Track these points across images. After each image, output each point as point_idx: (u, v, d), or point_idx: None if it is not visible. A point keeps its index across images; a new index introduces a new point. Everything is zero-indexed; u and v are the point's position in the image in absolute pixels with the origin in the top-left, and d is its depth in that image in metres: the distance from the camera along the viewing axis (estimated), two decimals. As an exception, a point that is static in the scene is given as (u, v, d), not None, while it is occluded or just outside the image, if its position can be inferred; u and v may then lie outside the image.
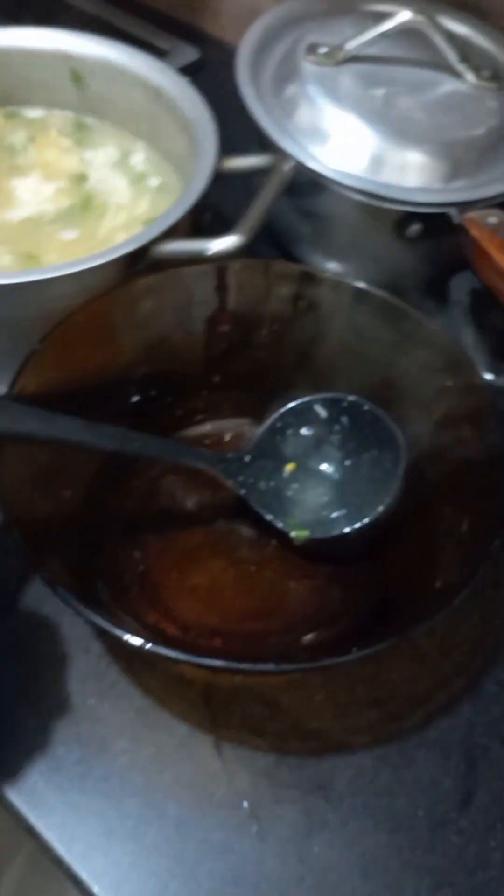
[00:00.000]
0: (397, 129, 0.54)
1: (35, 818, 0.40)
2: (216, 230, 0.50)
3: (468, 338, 0.58)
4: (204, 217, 0.54)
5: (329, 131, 0.55)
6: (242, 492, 0.47)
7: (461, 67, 0.57)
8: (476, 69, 0.57)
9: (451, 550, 0.43)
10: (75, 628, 0.45)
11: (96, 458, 0.48)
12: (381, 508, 0.46)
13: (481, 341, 0.58)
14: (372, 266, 0.59)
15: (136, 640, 0.35)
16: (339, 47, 0.57)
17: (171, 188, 0.59)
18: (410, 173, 0.53)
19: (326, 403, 0.48)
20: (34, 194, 0.57)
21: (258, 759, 0.42)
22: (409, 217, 0.54)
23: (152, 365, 0.50)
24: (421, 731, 0.43)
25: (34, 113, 0.63)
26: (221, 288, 0.50)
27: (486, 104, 0.56)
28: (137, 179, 0.60)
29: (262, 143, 0.56)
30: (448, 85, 0.57)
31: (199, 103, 0.57)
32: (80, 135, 0.63)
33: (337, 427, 0.48)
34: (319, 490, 0.48)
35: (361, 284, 0.48)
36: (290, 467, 0.49)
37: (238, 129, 0.57)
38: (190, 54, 0.79)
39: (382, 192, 0.53)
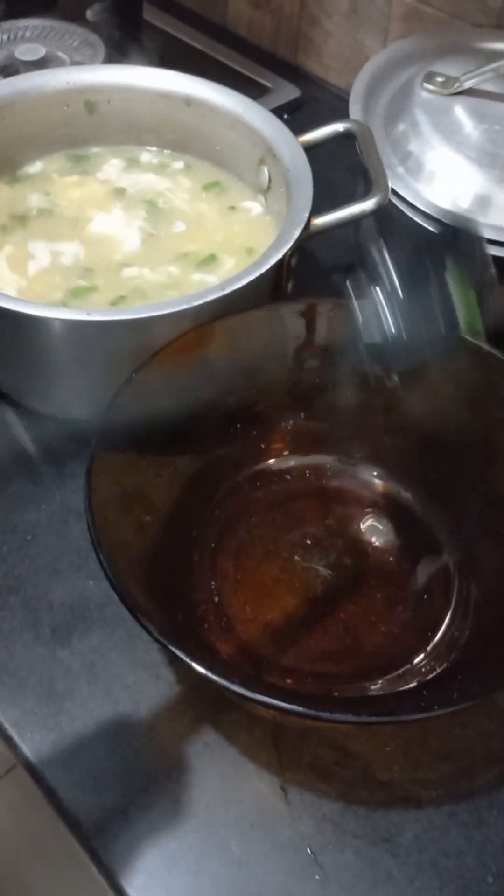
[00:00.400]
0: (502, 169, 0.54)
1: (98, 845, 0.40)
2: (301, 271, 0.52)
3: None
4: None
5: (432, 165, 0.55)
6: None
7: None
8: None
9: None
10: (150, 653, 0.46)
11: (177, 485, 0.49)
12: None
13: None
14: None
15: (217, 678, 0.35)
16: (456, 78, 0.57)
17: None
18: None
19: None
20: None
21: (324, 804, 0.41)
22: None
23: (241, 395, 0.51)
24: (494, 792, 0.42)
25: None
26: (311, 325, 0.50)
27: None
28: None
29: (365, 177, 0.56)
30: None
31: (302, 159, 0.56)
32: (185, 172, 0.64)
33: None
34: None
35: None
36: None
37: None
38: (291, 92, 0.81)
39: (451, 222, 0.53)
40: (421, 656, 0.45)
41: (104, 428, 0.43)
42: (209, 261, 0.56)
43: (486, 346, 0.47)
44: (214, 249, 0.57)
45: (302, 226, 0.50)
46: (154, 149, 0.64)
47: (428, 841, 0.41)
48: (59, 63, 0.76)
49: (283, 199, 0.54)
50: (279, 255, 0.49)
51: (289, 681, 0.44)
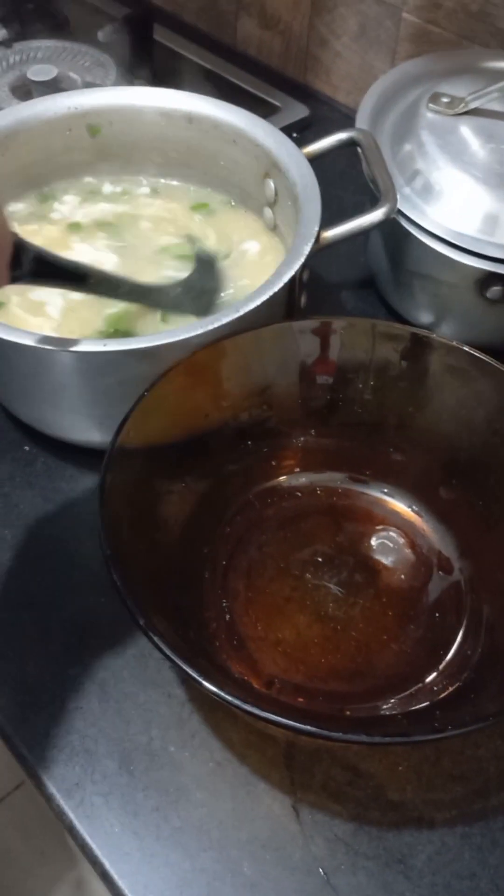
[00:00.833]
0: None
1: (110, 863, 0.40)
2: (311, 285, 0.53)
3: None
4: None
5: (439, 185, 0.55)
6: None
7: None
8: None
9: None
10: (162, 672, 0.45)
11: (189, 503, 0.49)
12: None
13: None
14: (456, 324, 0.59)
15: (230, 698, 0.35)
16: (462, 99, 0.58)
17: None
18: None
19: None
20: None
21: (337, 825, 0.41)
22: (491, 277, 0.53)
23: (252, 412, 0.51)
24: (507, 813, 0.42)
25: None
26: (325, 343, 0.51)
27: None
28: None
29: (373, 186, 0.56)
30: None
31: (308, 172, 0.56)
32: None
33: None
34: None
35: (469, 349, 0.48)
36: None
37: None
38: (300, 111, 0.81)
39: (462, 244, 0.53)
40: (433, 675, 0.45)
41: (116, 447, 0.43)
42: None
43: (497, 364, 0.47)
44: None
45: (313, 239, 0.50)
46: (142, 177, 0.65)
47: (441, 863, 0.40)
48: (70, 83, 0.77)
49: (291, 212, 0.55)
50: (292, 272, 0.49)
51: (300, 699, 0.44)
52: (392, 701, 0.44)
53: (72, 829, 0.41)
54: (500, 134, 0.58)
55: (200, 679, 0.36)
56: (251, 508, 0.51)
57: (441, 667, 0.45)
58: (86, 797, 0.42)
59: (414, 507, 0.51)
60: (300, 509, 0.52)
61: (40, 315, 0.55)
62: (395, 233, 0.57)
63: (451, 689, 0.44)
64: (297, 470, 0.53)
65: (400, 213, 0.56)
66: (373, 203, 0.53)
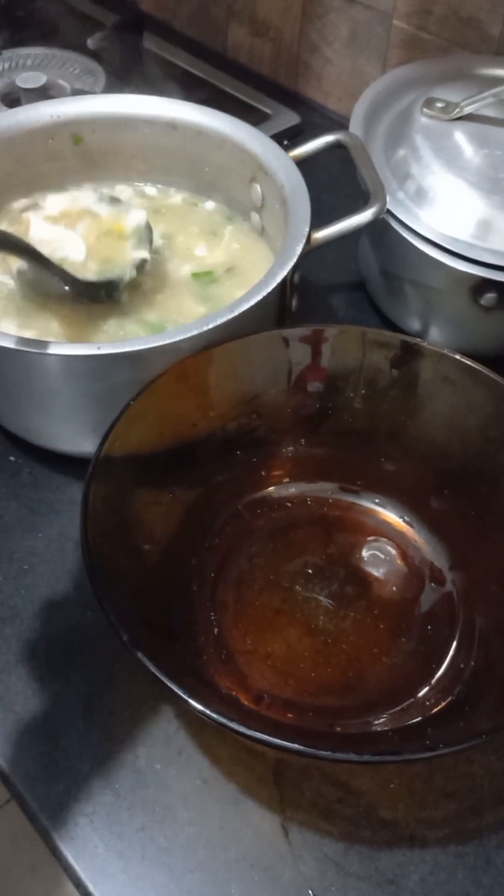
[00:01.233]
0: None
1: (94, 885, 0.39)
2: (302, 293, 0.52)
3: None
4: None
5: (433, 190, 0.55)
6: None
7: None
8: None
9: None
10: (147, 688, 0.44)
11: (176, 513, 0.48)
12: None
13: None
14: (449, 331, 0.58)
15: (215, 716, 0.34)
16: (456, 104, 0.58)
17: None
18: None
19: None
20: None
21: (327, 844, 0.40)
22: (485, 284, 0.53)
23: (241, 421, 0.50)
24: (502, 831, 0.41)
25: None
26: (316, 351, 0.50)
27: None
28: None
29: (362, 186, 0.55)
30: None
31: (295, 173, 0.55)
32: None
33: None
34: None
35: (461, 357, 0.47)
36: None
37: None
38: (291, 118, 0.81)
39: (456, 249, 0.53)
40: (426, 689, 0.44)
41: (101, 456, 0.42)
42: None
43: (491, 374, 0.46)
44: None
45: (303, 241, 0.50)
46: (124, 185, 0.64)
47: (434, 883, 0.39)
48: (59, 91, 0.76)
49: (280, 215, 0.54)
50: (284, 272, 0.48)
51: (290, 715, 0.43)
52: (384, 716, 0.43)
53: (55, 850, 0.40)
54: (495, 139, 0.57)
55: (185, 696, 0.35)
56: (240, 519, 0.51)
57: (433, 681, 0.44)
58: (69, 817, 0.40)
59: (406, 517, 0.51)
60: (290, 520, 0.51)
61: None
62: (387, 238, 0.56)
63: (443, 703, 0.43)
64: (287, 480, 0.52)
65: (393, 217, 0.55)
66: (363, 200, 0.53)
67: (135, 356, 0.45)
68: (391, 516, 0.51)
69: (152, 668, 0.36)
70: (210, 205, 0.63)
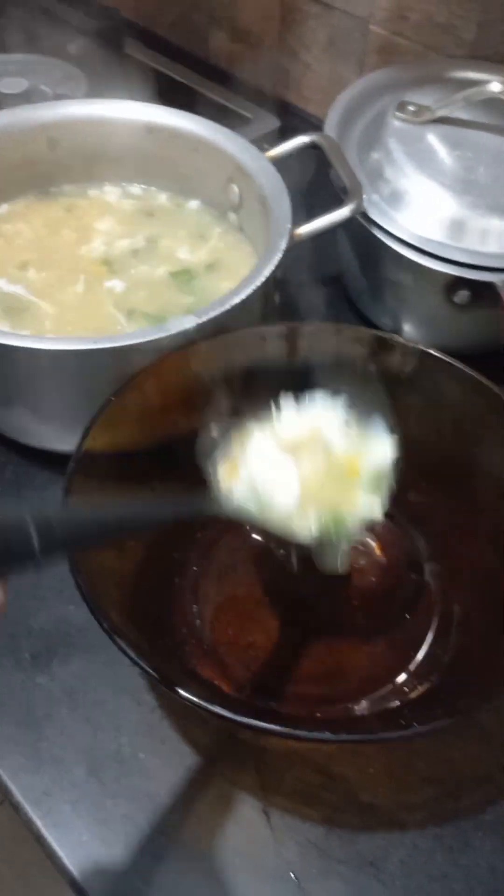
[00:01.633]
0: (476, 194, 0.55)
1: (78, 872, 0.39)
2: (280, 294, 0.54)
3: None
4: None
5: (407, 192, 0.56)
6: None
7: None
8: None
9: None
10: (131, 678, 0.45)
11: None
12: None
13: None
14: (425, 329, 0.59)
15: (197, 700, 0.34)
16: (428, 107, 0.59)
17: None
18: (491, 240, 0.54)
19: None
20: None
21: (308, 829, 0.41)
22: (458, 282, 0.54)
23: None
24: (479, 814, 0.42)
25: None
26: (293, 348, 0.51)
27: None
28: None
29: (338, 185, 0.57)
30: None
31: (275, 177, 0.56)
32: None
33: None
34: None
35: (435, 352, 0.48)
36: None
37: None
38: (271, 123, 0.82)
39: (430, 250, 0.54)
40: (404, 676, 0.45)
41: (81, 452, 0.43)
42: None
43: (465, 368, 0.47)
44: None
45: (287, 237, 0.51)
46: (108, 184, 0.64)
47: (414, 866, 0.40)
48: (41, 96, 0.77)
49: (259, 215, 0.55)
50: (271, 267, 0.49)
51: (271, 703, 0.44)
52: (364, 703, 0.44)
53: (40, 838, 0.40)
54: (466, 141, 0.59)
55: (167, 684, 0.36)
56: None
57: (412, 667, 0.45)
58: (54, 805, 0.41)
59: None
60: (271, 514, 0.52)
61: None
62: (364, 239, 0.57)
63: (421, 689, 0.43)
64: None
65: (369, 219, 0.56)
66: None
67: (124, 351, 0.46)
68: (370, 509, 0.52)
69: (133, 657, 0.37)
70: (194, 204, 0.64)
